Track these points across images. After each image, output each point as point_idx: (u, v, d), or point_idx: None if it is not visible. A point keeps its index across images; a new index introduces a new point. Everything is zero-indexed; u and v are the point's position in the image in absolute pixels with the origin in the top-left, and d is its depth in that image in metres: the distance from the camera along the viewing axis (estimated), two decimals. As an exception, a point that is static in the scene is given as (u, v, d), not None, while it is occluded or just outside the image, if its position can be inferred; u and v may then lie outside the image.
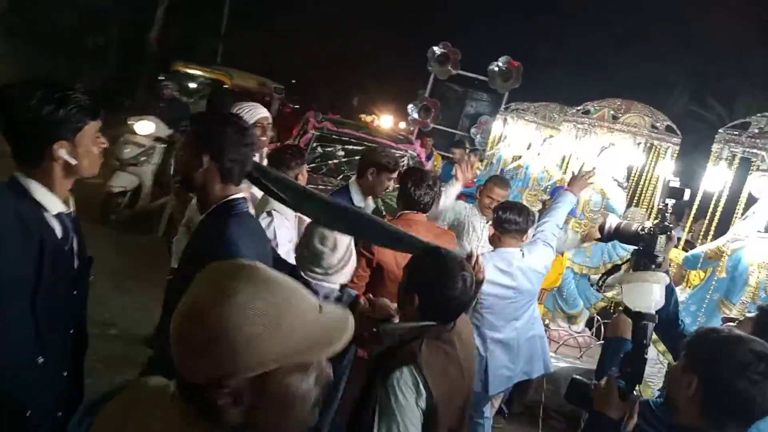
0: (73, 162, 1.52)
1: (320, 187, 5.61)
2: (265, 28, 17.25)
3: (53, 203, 1.52)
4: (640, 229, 2.07)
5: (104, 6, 13.21)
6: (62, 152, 1.49)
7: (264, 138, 3.31)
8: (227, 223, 1.68)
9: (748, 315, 1.97)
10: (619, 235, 2.19)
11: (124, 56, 14.41)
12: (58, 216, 1.55)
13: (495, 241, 3.12)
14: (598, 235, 2.30)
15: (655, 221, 2.05)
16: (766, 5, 12.45)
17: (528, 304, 3.16)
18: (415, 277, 1.83)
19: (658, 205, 2.27)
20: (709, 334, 1.60)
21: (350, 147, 6.85)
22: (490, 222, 3.28)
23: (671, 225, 2.09)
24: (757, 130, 3.41)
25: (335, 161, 6.79)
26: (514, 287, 3.00)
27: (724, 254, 3.32)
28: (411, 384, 1.65)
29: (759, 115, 3.43)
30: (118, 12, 13.42)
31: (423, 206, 2.96)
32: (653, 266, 1.96)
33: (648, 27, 15.18)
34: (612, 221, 2.22)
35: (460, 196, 8.07)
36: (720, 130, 3.48)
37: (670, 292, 2.07)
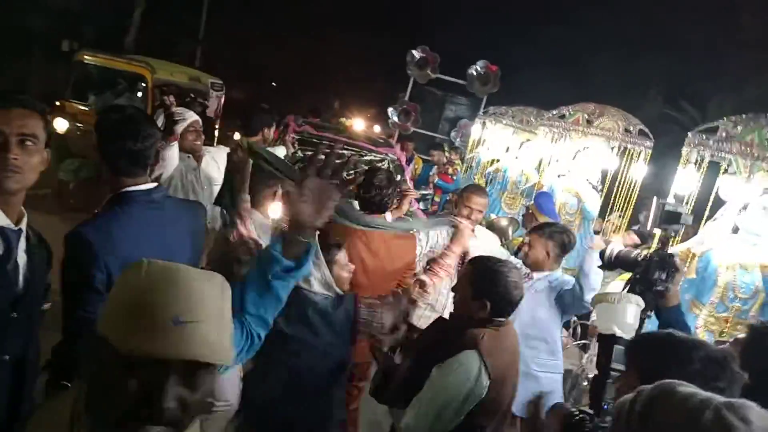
0: None
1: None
2: (244, 31, 17.18)
3: None
4: (639, 257, 2.08)
5: (79, 10, 13.04)
6: None
7: (198, 142, 3.41)
8: (102, 214, 1.76)
9: (738, 336, 1.95)
10: (620, 262, 2.19)
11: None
12: (0, 230, 1.45)
13: (544, 262, 3.08)
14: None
15: (655, 249, 2.06)
16: (737, 9, 12.77)
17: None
18: (485, 285, 2.06)
19: (651, 221, 2.29)
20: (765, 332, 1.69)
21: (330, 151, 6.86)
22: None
23: (673, 254, 2.09)
24: (724, 134, 3.52)
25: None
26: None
27: (694, 256, 3.42)
28: (473, 366, 1.92)
29: (726, 119, 3.53)
30: (93, 15, 13.25)
31: (376, 207, 3.02)
32: (651, 294, 1.98)
33: (623, 30, 15.47)
34: (614, 248, 2.21)
35: (436, 191, 8.10)
36: (689, 134, 3.58)
37: (683, 327, 2.02)
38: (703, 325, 3.36)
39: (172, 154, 3.17)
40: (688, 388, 0.89)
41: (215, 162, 3.53)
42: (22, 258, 1.50)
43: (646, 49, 14.85)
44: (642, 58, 14.95)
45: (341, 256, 2.35)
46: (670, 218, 2.09)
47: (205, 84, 8.24)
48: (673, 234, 2.15)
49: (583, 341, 4.74)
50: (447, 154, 8.48)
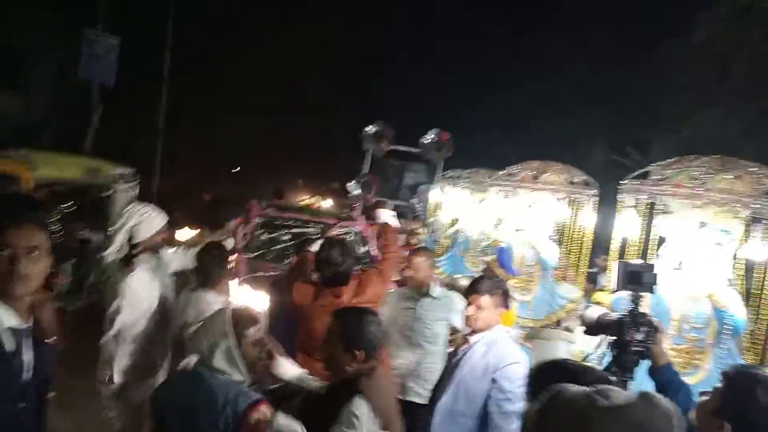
0: None
1: (270, 273, 5.68)
2: (203, 120, 17.60)
3: (5, 317, 1.66)
4: (614, 319, 2.06)
5: (35, 117, 13.24)
6: None
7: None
8: None
9: (716, 386, 1.82)
10: (600, 326, 2.13)
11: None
12: (11, 329, 1.65)
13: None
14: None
15: (628, 311, 2.05)
16: (671, 55, 13.76)
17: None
18: (354, 336, 2.23)
19: (614, 283, 2.22)
20: (740, 378, 1.67)
21: (296, 230, 6.98)
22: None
23: (648, 315, 2.08)
24: (658, 177, 3.79)
25: (281, 246, 6.89)
26: None
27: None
28: (363, 411, 2.06)
29: (655, 164, 3.82)
30: (50, 124, 13.44)
31: (337, 281, 3.12)
32: (627, 358, 1.97)
33: (567, 87, 16.49)
34: (592, 314, 2.19)
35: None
36: (622, 182, 3.84)
37: (678, 385, 2.04)
38: (665, 359, 3.49)
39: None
40: (575, 387, 0.97)
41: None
42: (29, 353, 1.70)
43: (589, 100, 15.80)
44: (586, 109, 15.88)
45: (252, 331, 2.20)
46: (633, 279, 2.08)
47: (106, 176, 7.17)
48: (641, 296, 2.13)
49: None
50: (409, 225, 8.68)
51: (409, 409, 3.55)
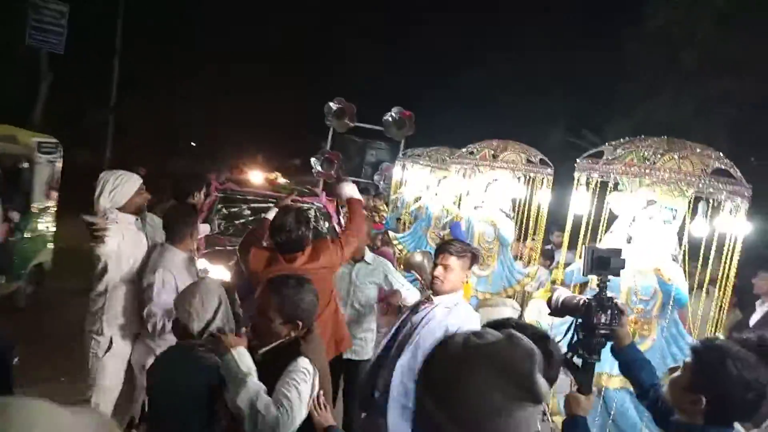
0: None
1: (228, 248, 5.66)
2: (158, 94, 17.09)
3: None
4: (581, 302, 2.10)
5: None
6: None
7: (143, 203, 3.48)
8: None
9: (686, 360, 1.89)
10: (565, 309, 2.18)
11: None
12: None
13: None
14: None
15: (594, 294, 2.10)
16: (629, 39, 14.09)
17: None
18: (293, 309, 2.23)
19: (583, 268, 2.26)
20: (709, 352, 1.75)
21: (255, 205, 6.95)
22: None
23: (614, 298, 2.12)
24: (610, 157, 3.95)
25: (242, 221, 6.86)
26: None
27: (596, 267, 3.76)
28: (309, 366, 2.14)
29: (608, 144, 3.97)
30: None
31: (289, 247, 3.18)
32: (594, 340, 2.02)
33: (527, 70, 16.75)
34: (559, 295, 2.22)
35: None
36: (578, 160, 3.98)
37: (641, 363, 2.15)
38: (613, 329, 3.67)
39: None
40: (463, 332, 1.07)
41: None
42: None
43: (546, 85, 16.11)
44: (545, 93, 16.19)
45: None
46: (601, 264, 2.13)
47: (26, 145, 6.43)
48: (608, 279, 2.16)
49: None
50: (371, 202, 8.75)
51: (345, 365, 3.93)
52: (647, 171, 3.57)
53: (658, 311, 3.70)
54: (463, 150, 5.73)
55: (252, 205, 6.94)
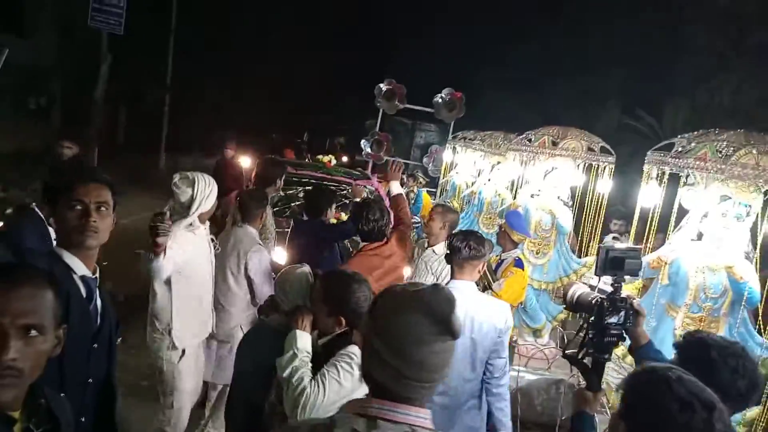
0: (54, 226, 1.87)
1: (285, 230, 5.78)
2: (212, 72, 17.39)
3: (79, 267, 1.81)
4: (594, 301, 2.07)
5: (45, 66, 13.09)
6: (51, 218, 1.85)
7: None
8: None
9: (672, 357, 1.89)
10: (579, 306, 2.14)
11: (69, 115, 14.26)
12: (83, 278, 1.81)
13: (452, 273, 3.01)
14: None
15: (607, 294, 2.05)
16: (683, 20, 13.49)
17: (470, 365, 2.84)
18: (337, 302, 2.23)
19: (596, 267, 2.17)
20: (690, 345, 1.80)
21: (310, 188, 7.04)
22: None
23: (630, 298, 2.07)
24: (680, 149, 3.83)
25: (297, 203, 6.97)
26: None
27: (665, 263, 3.69)
28: (354, 353, 2.12)
29: (680, 137, 3.85)
30: (60, 71, 13.29)
31: (375, 236, 3.28)
32: (605, 339, 1.98)
33: (577, 48, 16.19)
34: (575, 291, 2.19)
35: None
36: (648, 153, 3.88)
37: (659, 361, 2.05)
38: (680, 326, 3.61)
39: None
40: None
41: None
42: (98, 300, 1.85)
43: (601, 62, 15.55)
44: (597, 72, 15.64)
45: None
46: (615, 265, 2.07)
47: None
48: (623, 280, 2.10)
49: (571, 351, 4.98)
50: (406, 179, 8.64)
51: None
52: (722, 166, 3.46)
53: (727, 309, 3.62)
54: (521, 136, 5.65)
55: (307, 188, 7.03)
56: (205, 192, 3.06)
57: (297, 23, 18.75)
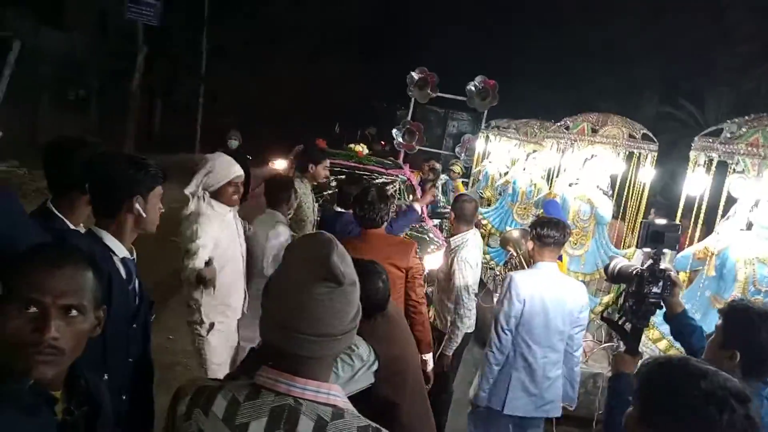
0: (144, 215, 1.84)
1: (318, 218, 5.77)
2: (244, 65, 17.52)
3: (120, 249, 1.83)
4: (634, 272, 2.21)
5: (84, 58, 13.37)
6: (137, 205, 1.83)
7: (236, 197, 3.20)
8: None
9: (717, 324, 1.99)
10: (620, 276, 2.30)
11: (107, 106, 14.56)
12: (123, 260, 1.83)
13: (533, 256, 3.25)
14: None
15: (647, 266, 2.17)
16: (726, 6, 12.98)
17: (559, 340, 3.16)
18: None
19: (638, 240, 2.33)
20: (734, 311, 1.92)
21: (342, 177, 7.01)
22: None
23: (667, 269, 2.19)
24: (729, 135, 3.65)
25: (329, 192, 6.95)
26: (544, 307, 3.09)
27: (711, 254, 3.54)
28: (364, 348, 2.12)
29: (729, 121, 3.67)
30: (97, 63, 13.56)
31: (371, 222, 3.23)
32: (643, 307, 2.14)
33: (615, 35, 15.74)
34: (617, 263, 2.34)
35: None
36: (695, 138, 3.71)
37: (692, 329, 2.26)
38: (727, 320, 3.47)
39: None
40: None
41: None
42: (136, 281, 1.87)
43: (639, 50, 15.09)
44: (636, 59, 15.19)
45: None
46: (655, 238, 2.20)
47: None
48: (663, 253, 2.26)
49: (609, 344, 4.85)
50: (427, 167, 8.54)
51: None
52: (774, 152, 3.29)
53: (778, 302, 3.45)
54: (558, 124, 5.49)
55: (339, 177, 7.00)
56: (207, 167, 3.06)
57: (331, 20, 18.61)
